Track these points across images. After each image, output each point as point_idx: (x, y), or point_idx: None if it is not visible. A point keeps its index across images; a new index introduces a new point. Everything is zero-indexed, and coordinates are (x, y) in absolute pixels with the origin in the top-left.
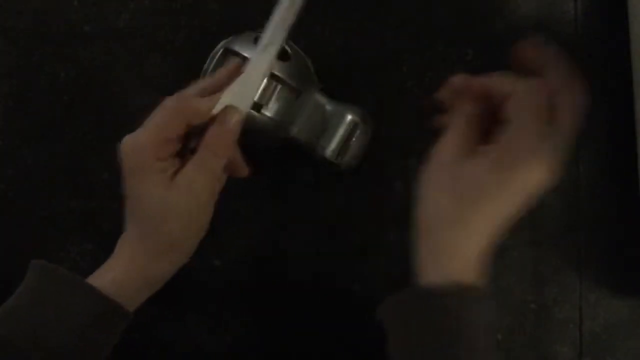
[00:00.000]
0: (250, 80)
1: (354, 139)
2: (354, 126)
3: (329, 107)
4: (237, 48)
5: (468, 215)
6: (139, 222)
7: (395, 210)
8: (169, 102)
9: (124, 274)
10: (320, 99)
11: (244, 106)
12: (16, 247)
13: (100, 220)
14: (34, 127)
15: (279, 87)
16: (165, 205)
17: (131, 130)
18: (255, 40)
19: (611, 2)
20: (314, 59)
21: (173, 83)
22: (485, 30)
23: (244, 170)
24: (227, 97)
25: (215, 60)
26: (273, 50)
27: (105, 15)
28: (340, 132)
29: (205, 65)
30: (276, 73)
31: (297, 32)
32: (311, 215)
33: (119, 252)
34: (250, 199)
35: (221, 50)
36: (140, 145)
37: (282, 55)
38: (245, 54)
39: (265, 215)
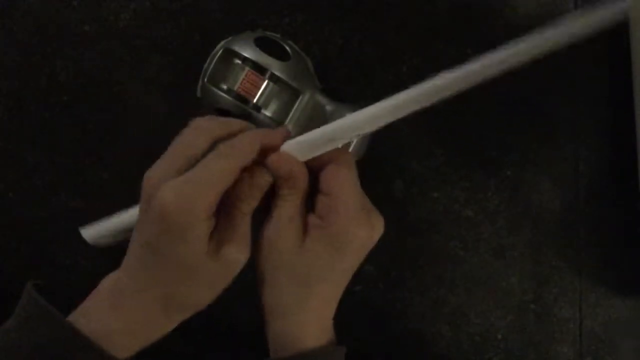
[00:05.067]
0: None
1: (354, 139)
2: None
3: (329, 107)
4: (237, 48)
5: (308, 298)
6: (166, 281)
7: (394, 210)
8: (246, 140)
9: (127, 325)
10: (320, 99)
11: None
12: (16, 247)
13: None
14: (34, 127)
15: (279, 87)
16: (206, 274)
17: (132, 129)
18: (255, 41)
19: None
20: (314, 59)
21: (173, 83)
22: (485, 30)
23: None
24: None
25: (215, 60)
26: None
27: (105, 15)
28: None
29: (205, 65)
30: (276, 73)
31: (297, 32)
32: None
33: (123, 300)
34: None
35: (221, 50)
36: (191, 201)
37: (282, 55)
38: (245, 54)
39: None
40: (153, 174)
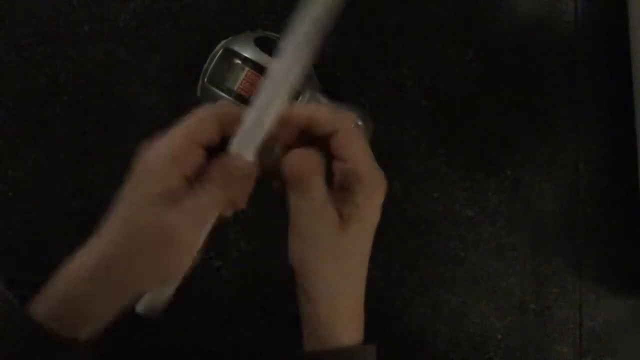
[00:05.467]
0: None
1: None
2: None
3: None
4: (237, 48)
5: (353, 280)
6: (130, 240)
7: (394, 210)
8: (203, 108)
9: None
10: (320, 99)
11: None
12: (16, 247)
13: (100, 220)
14: (34, 127)
15: None
16: (171, 230)
17: (132, 129)
18: (255, 41)
19: (611, 2)
20: (314, 59)
21: (173, 83)
22: (485, 30)
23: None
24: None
25: (215, 60)
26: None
27: (105, 15)
28: None
29: (205, 65)
30: None
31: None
32: None
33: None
34: (250, 199)
35: (221, 50)
36: (163, 149)
37: None
38: (245, 54)
39: (266, 216)
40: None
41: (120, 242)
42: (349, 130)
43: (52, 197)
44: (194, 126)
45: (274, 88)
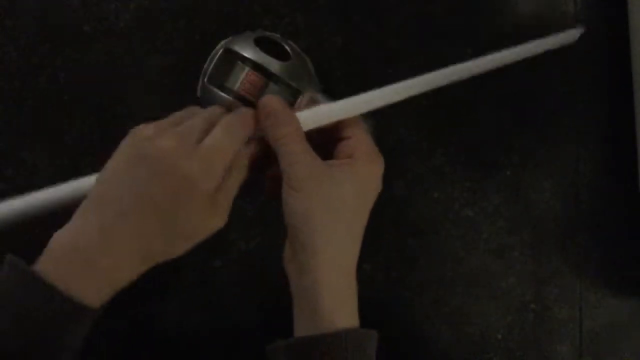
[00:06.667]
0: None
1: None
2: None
3: None
4: (237, 48)
5: (344, 235)
6: (151, 234)
7: (394, 210)
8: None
9: (100, 275)
10: (320, 99)
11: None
12: (16, 247)
13: None
14: (34, 127)
15: (278, 87)
16: (195, 230)
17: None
18: (255, 41)
19: (611, 2)
20: (314, 59)
21: (173, 83)
22: (485, 30)
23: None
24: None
25: (215, 60)
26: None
27: (105, 15)
28: None
29: (205, 65)
30: (276, 73)
31: (297, 32)
32: None
33: (94, 256)
34: (250, 199)
35: (221, 50)
36: (214, 169)
37: (282, 55)
38: (245, 54)
39: (266, 215)
40: (146, 131)
41: (126, 196)
42: (354, 119)
43: None
44: (236, 146)
45: (356, 103)
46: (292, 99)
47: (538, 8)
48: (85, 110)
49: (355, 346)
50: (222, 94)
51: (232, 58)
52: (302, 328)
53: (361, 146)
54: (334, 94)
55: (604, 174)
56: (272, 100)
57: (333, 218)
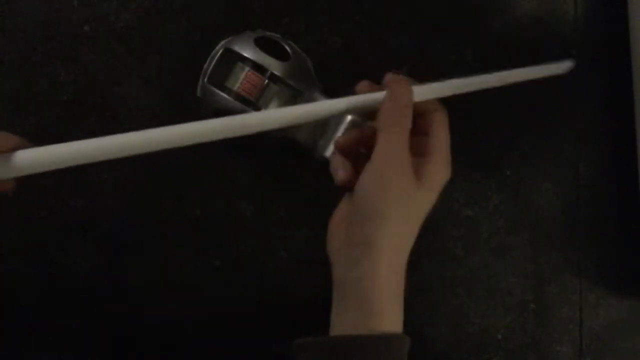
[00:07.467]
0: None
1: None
2: (354, 126)
3: None
4: (237, 48)
5: (410, 239)
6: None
7: None
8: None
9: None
10: (320, 98)
11: None
12: (16, 247)
13: (100, 220)
14: (34, 127)
15: (278, 87)
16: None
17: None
18: (255, 41)
19: (611, 2)
20: (314, 59)
21: (173, 83)
22: (485, 30)
23: None
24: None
25: (215, 60)
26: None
27: (105, 15)
28: (340, 132)
29: (205, 65)
30: (276, 73)
31: (297, 32)
32: (311, 216)
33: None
34: (250, 199)
35: (221, 50)
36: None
37: (282, 55)
38: (245, 54)
39: (266, 215)
40: None
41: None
42: (444, 113)
43: (52, 197)
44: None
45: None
46: (292, 99)
47: (538, 8)
48: (85, 110)
49: (396, 351)
50: (222, 94)
51: (232, 58)
52: (344, 322)
53: (442, 148)
54: (334, 94)
55: (604, 174)
56: (409, 95)
57: (399, 211)
